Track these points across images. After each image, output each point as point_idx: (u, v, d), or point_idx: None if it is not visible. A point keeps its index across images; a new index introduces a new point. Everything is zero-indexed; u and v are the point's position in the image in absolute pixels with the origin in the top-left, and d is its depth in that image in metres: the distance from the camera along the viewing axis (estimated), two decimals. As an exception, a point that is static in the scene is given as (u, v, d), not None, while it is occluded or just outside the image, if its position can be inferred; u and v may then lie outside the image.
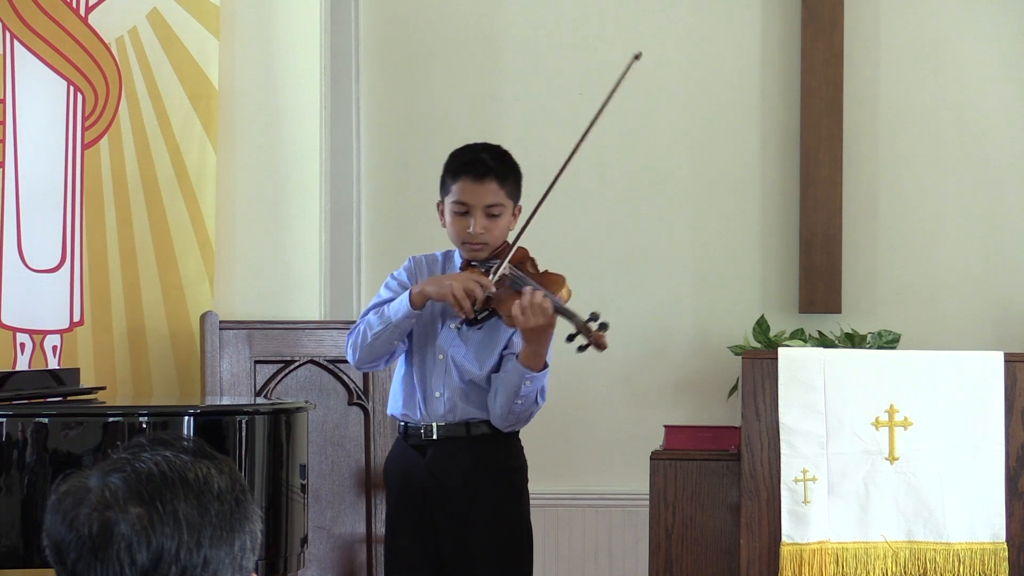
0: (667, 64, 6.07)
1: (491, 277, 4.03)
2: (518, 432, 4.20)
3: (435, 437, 4.12)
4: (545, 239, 6.02)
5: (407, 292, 4.07)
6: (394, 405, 4.23)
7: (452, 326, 4.12)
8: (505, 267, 4.04)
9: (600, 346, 3.85)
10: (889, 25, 6.05)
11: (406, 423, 4.18)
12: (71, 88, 5.18)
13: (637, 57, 4.10)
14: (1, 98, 5.11)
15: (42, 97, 5.16)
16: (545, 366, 4.02)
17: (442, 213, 4.20)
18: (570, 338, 3.88)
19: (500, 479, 4.14)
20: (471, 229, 4.09)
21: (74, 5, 5.20)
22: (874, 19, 6.04)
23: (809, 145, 5.96)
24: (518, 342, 4.06)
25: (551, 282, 4.02)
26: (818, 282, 5.95)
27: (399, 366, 4.21)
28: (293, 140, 5.42)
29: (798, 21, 6.00)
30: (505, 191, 4.15)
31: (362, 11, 6.03)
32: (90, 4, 5.22)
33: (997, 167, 6.03)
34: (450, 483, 4.09)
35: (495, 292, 4.01)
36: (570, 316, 3.89)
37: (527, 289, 3.93)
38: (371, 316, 4.12)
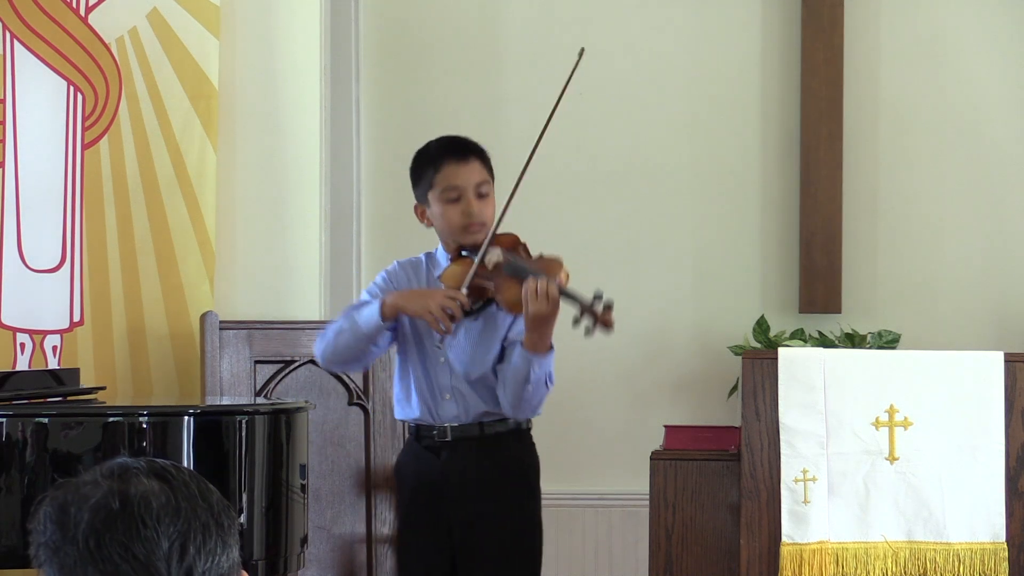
0: (667, 64, 6.07)
1: (477, 264, 3.98)
2: (530, 429, 4.19)
3: (449, 439, 4.09)
4: (545, 239, 6.02)
5: (378, 301, 4.01)
6: (403, 410, 4.18)
7: (437, 344, 4.09)
8: (498, 254, 4.00)
9: (607, 326, 3.81)
10: (889, 25, 6.05)
11: (417, 426, 4.16)
12: (71, 88, 5.18)
13: (581, 54, 4.05)
14: (1, 98, 5.11)
15: (42, 97, 5.16)
16: (550, 348, 3.96)
17: (422, 215, 4.14)
18: (576, 322, 3.84)
19: (516, 477, 4.13)
20: (472, 210, 4.06)
21: (74, 5, 5.20)
22: (874, 19, 6.04)
23: (809, 145, 5.96)
24: (519, 330, 4.02)
25: (550, 267, 3.96)
26: (818, 282, 5.95)
27: (398, 370, 4.18)
28: (293, 140, 5.42)
29: (798, 21, 6.00)
30: (487, 169, 4.13)
31: (362, 11, 6.03)
32: (90, 4, 5.21)
33: (997, 167, 6.03)
34: (466, 484, 4.07)
35: (493, 281, 3.97)
36: (574, 299, 3.84)
37: (531, 278, 3.86)
38: (342, 320, 4.07)
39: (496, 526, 4.08)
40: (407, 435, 4.25)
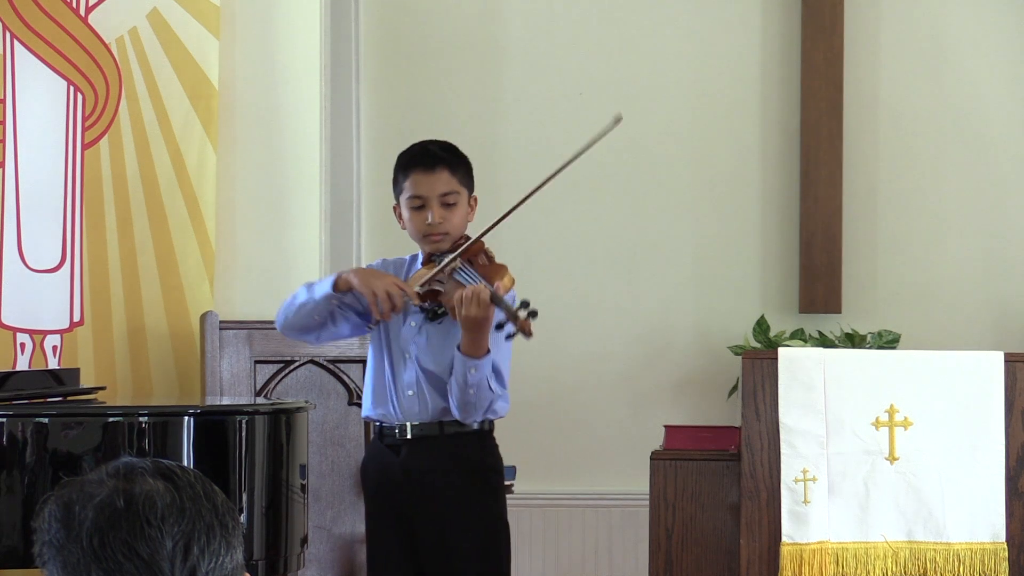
0: (667, 64, 6.07)
1: (436, 270, 4.04)
2: (492, 430, 4.19)
3: (409, 436, 4.12)
4: (546, 240, 6.03)
5: (335, 273, 4.12)
6: (368, 406, 4.24)
7: (411, 323, 4.13)
8: (458, 261, 4.05)
9: (526, 333, 3.83)
10: (889, 25, 6.05)
11: (381, 423, 4.19)
12: (71, 88, 5.18)
13: (618, 121, 4.06)
14: (1, 98, 5.11)
15: (42, 97, 5.16)
16: (487, 352, 4.00)
17: (399, 215, 4.23)
18: (499, 326, 3.87)
19: (476, 477, 4.14)
20: (429, 220, 4.11)
21: (74, 5, 5.20)
22: (874, 20, 6.04)
23: (809, 145, 5.96)
24: None
25: (493, 272, 4.04)
26: (818, 282, 5.96)
27: (370, 366, 4.22)
28: (293, 140, 5.42)
29: (798, 21, 6.01)
30: (457, 179, 4.17)
31: (362, 11, 6.03)
32: (90, 4, 5.21)
33: (997, 167, 6.03)
34: (426, 482, 4.10)
35: (445, 286, 4.03)
36: (502, 304, 3.89)
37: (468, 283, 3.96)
38: (302, 287, 4.18)
39: (457, 525, 4.09)
40: (372, 435, 4.27)
